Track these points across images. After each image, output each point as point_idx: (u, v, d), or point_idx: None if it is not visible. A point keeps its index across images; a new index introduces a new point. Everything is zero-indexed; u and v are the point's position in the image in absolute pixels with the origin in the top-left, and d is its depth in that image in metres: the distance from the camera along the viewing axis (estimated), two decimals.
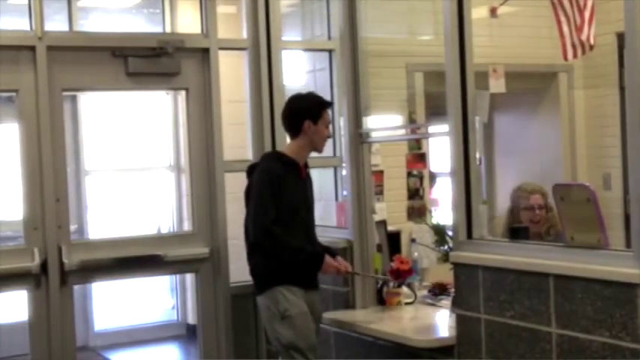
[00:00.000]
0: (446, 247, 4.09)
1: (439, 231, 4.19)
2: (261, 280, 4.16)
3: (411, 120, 6.28)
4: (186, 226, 7.56)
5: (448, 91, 3.84)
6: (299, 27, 6.08)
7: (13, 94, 4.67)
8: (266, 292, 4.11)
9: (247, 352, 4.97)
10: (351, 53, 4.79)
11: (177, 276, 7.98)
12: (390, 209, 5.83)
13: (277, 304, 4.06)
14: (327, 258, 4.16)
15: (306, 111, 4.23)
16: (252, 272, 4.23)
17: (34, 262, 4.50)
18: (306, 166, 4.32)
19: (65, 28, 4.83)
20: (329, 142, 5.58)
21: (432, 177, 6.66)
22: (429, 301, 4.59)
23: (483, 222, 3.93)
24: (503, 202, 7.07)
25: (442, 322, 4.12)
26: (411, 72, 6.33)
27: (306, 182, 4.31)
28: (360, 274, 4.55)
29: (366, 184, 4.71)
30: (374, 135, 4.87)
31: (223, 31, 5.08)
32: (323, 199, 5.87)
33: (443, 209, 6.23)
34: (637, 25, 2.95)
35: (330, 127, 4.33)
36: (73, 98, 7.72)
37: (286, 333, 4.05)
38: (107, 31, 6.10)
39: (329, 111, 4.32)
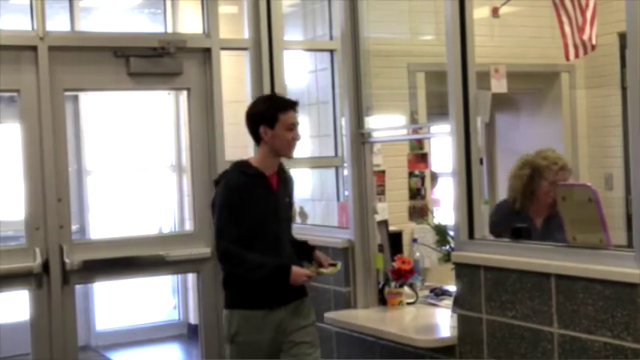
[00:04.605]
0: (447, 247, 4.08)
1: (441, 231, 4.18)
2: (226, 297, 4.05)
3: (413, 120, 6.28)
4: (188, 226, 7.59)
5: (450, 91, 3.84)
6: (300, 27, 6.08)
7: (15, 94, 4.68)
8: (227, 311, 4.01)
9: None
10: (352, 53, 4.79)
11: (179, 276, 7.99)
12: (392, 209, 5.83)
13: (230, 326, 3.97)
14: (295, 268, 3.90)
15: (259, 116, 3.99)
16: (222, 285, 4.11)
17: (35, 262, 4.51)
18: (280, 172, 4.07)
19: (67, 28, 4.83)
20: (329, 142, 5.62)
21: (434, 177, 6.66)
22: (431, 301, 4.58)
23: (485, 222, 3.93)
24: None
25: (444, 322, 4.11)
26: (413, 72, 6.33)
27: (279, 192, 4.03)
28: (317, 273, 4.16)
29: (367, 184, 4.71)
30: (375, 135, 4.87)
31: (225, 31, 5.09)
32: (324, 199, 5.88)
33: (444, 209, 6.23)
34: (639, 25, 2.95)
35: (299, 129, 4.01)
36: (75, 98, 7.73)
37: (231, 355, 4.00)
38: (109, 31, 6.10)
39: (291, 112, 3.98)
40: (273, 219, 3.99)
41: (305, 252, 4.18)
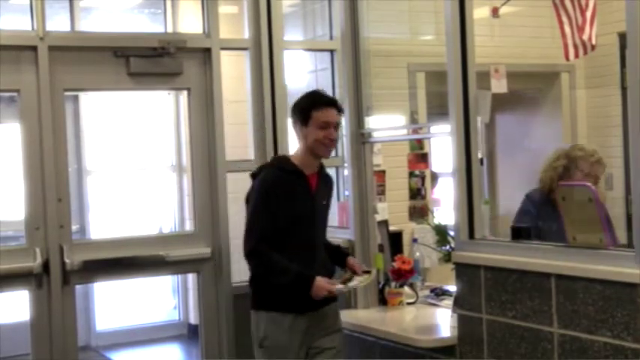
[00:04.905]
0: (448, 247, 4.09)
1: (441, 231, 4.19)
2: (252, 297, 3.95)
3: (413, 120, 6.29)
4: (188, 226, 7.60)
5: (450, 91, 3.84)
6: (301, 27, 6.08)
7: (15, 94, 4.67)
8: (254, 312, 3.91)
9: (249, 352, 4.95)
10: (352, 53, 4.79)
11: (179, 276, 7.99)
12: (392, 209, 5.83)
13: (258, 330, 3.87)
14: (319, 280, 3.74)
15: (296, 112, 3.91)
16: (249, 284, 4.02)
17: (35, 262, 4.50)
18: (320, 173, 3.96)
19: (67, 28, 4.83)
20: None
21: (434, 177, 6.67)
22: (431, 301, 4.59)
23: (485, 222, 3.93)
24: (505, 202, 7.08)
25: (444, 322, 4.12)
26: (413, 72, 6.33)
27: (317, 194, 3.91)
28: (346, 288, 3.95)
29: (367, 184, 4.71)
30: (376, 135, 4.87)
31: (225, 31, 5.09)
32: None
33: (444, 209, 6.24)
34: (639, 25, 2.95)
35: (338, 128, 3.92)
36: (75, 98, 7.74)
37: (260, 359, 3.91)
38: (109, 31, 6.10)
39: (326, 110, 3.85)
40: (309, 221, 3.87)
41: (339, 257, 4.07)
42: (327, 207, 4.03)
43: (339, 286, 3.82)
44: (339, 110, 3.93)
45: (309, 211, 3.87)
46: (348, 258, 4.05)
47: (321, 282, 3.75)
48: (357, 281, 3.92)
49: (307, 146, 3.87)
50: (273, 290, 3.82)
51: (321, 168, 3.99)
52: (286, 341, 3.82)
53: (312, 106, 3.86)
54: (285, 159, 3.97)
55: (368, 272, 4.00)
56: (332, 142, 3.88)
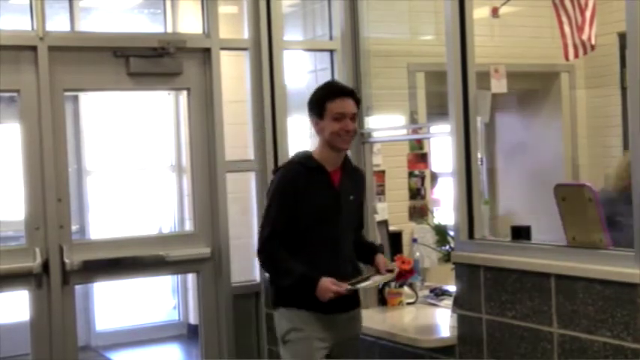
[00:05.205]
0: (447, 247, 4.09)
1: (440, 231, 4.19)
2: (273, 296, 3.83)
3: (413, 120, 6.29)
4: (188, 226, 7.59)
5: (450, 91, 3.84)
6: (300, 27, 6.08)
7: (15, 94, 4.67)
8: (275, 310, 3.79)
9: (249, 352, 4.97)
10: (352, 53, 4.79)
11: (179, 276, 7.99)
12: (392, 209, 5.83)
13: (280, 328, 3.73)
14: (324, 281, 3.56)
15: (310, 106, 3.76)
16: (269, 283, 3.92)
17: (35, 262, 4.50)
18: (345, 167, 3.81)
19: (67, 28, 4.83)
20: None
21: (434, 177, 6.67)
22: (431, 301, 4.59)
23: (485, 222, 3.93)
24: (505, 202, 7.09)
25: (443, 322, 4.12)
26: (413, 72, 6.33)
27: (341, 189, 3.75)
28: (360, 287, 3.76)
29: (367, 184, 4.71)
30: (375, 135, 4.87)
31: (225, 31, 5.09)
32: None
33: (444, 209, 6.24)
34: (639, 25, 2.95)
35: (356, 118, 3.73)
36: (75, 98, 7.74)
37: (285, 357, 3.77)
38: (108, 31, 6.09)
39: (342, 101, 3.68)
40: (333, 218, 3.72)
41: (367, 255, 3.92)
42: (356, 202, 3.88)
43: (348, 287, 3.64)
44: (356, 100, 3.79)
45: (331, 207, 3.73)
46: (376, 256, 3.89)
47: (326, 283, 3.57)
48: (371, 281, 3.78)
49: (325, 140, 3.73)
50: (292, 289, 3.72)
51: (346, 162, 3.85)
52: (309, 332, 3.67)
53: (325, 98, 3.71)
54: (306, 155, 3.81)
55: (391, 271, 3.88)
56: (349, 134, 3.72)
